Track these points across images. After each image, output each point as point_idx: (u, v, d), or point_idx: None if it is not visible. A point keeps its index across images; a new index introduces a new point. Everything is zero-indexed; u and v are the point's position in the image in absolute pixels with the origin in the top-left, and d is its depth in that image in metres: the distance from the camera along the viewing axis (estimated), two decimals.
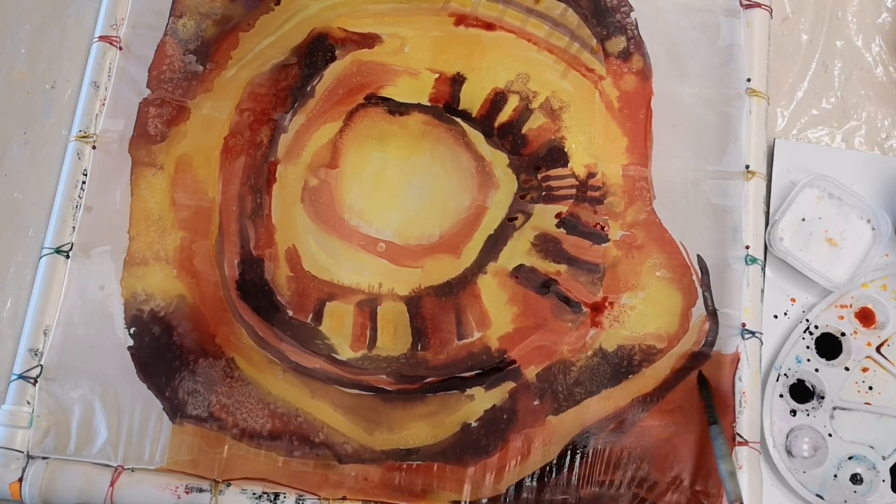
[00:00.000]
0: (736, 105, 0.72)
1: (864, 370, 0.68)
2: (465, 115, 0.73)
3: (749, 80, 0.72)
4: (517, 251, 0.70)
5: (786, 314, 0.70)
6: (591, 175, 0.71)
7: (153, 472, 0.66)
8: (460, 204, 0.71)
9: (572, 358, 0.68)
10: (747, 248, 0.69)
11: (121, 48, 0.75)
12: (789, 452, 0.66)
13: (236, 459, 0.66)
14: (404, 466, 0.66)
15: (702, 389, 0.66)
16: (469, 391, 0.67)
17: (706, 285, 0.69)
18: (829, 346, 0.69)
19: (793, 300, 0.70)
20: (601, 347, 0.68)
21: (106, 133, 0.73)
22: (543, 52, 0.74)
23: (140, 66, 0.75)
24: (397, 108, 0.73)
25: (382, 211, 0.71)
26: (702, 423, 0.66)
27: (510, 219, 0.71)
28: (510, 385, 0.67)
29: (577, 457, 0.65)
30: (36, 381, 0.67)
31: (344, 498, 0.65)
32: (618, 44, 0.74)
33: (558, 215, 0.70)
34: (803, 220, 0.70)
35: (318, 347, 0.68)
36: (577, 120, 0.72)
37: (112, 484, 0.65)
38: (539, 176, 0.71)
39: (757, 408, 0.66)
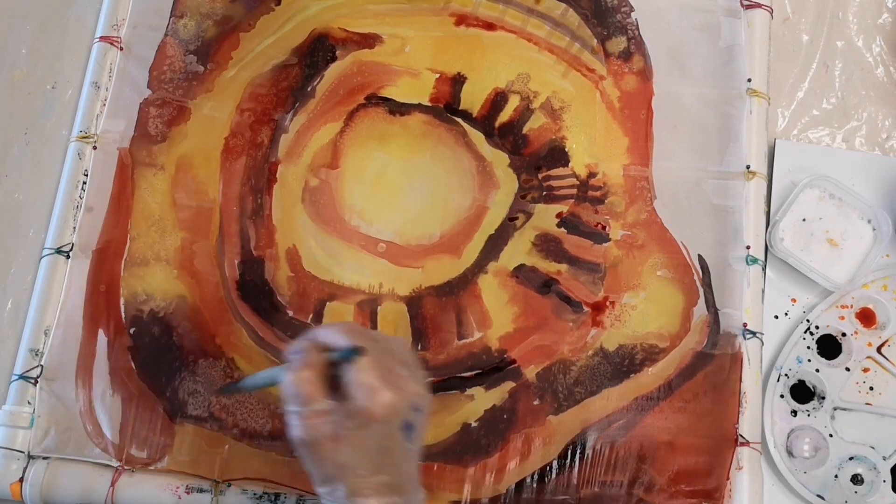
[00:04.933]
0: (737, 105, 0.72)
1: (865, 370, 0.68)
2: (466, 115, 0.73)
3: (750, 80, 0.72)
4: (518, 251, 0.70)
5: (787, 314, 0.70)
6: (591, 175, 0.71)
7: (154, 473, 0.66)
8: (461, 204, 0.71)
9: (573, 357, 0.67)
10: (748, 248, 0.69)
11: (121, 48, 0.75)
12: (790, 453, 0.66)
13: (237, 459, 0.66)
14: None
15: None
16: (469, 391, 0.67)
17: (707, 285, 0.69)
18: (829, 347, 0.69)
19: (793, 300, 0.70)
20: (602, 347, 0.68)
21: (107, 133, 0.73)
22: (544, 53, 0.74)
23: (141, 67, 0.75)
24: (398, 109, 0.73)
25: (383, 211, 0.71)
26: (704, 425, 0.66)
27: (511, 219, 0.71)
28: (510, 385, 0.67)
29: (578, 457, 0.65)
30: (36, 382, 0.67)
31: None
32: (618, 44, 0.74)
33: (559, 215, 0.70)
34: (804, 220, 0.70)
35: None
36: (577, 120, 0.72)
37: (113, 484, 0.65)
38: (540, 176, 0.71)
39: (758, 408, 0.66)
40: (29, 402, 0.67)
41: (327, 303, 0.69)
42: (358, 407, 0.48)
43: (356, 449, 0.48)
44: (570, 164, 0.72)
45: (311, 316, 0.69)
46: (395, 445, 0.49)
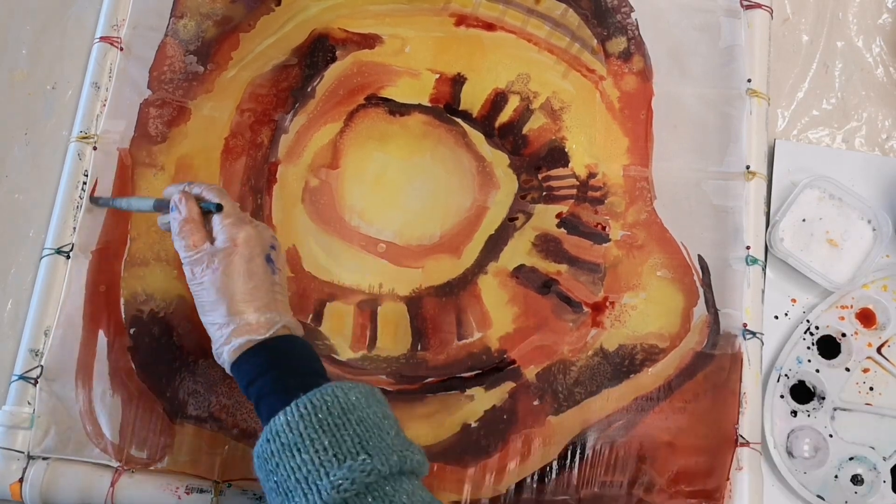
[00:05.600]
0: (737, 105, 0.72)
1: (865, 371, 0.68)
2: (466, 116, 0.73)
3: (750, 80, 0.72)
4: (518, 251, 0.70)
5: (787, 315, 0.70)
6: (591, 175, 0.71)
7: (153, 473, 0.66)
8: (461, 204, 0.71)
9: (572, 358, 0.67)
10: (748, 248, 0.69)
11: (122, 49, 0.75)
12: (790, 453, 0.66)
13: (236, 460, 0.66)
14: None
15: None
16: (469, 391, 0.67)
17: (707, 285, 0.69)
18: (829, 347, 0.69)
19: (793, 301, 0.70)
20: (602, 347, 0.68)
21: (107, 134, 0.73)
22: (544, 53, 0.74)
23: (141, 67, 0.75)
24: (398, 109, 0.73)
25: (383, 211, 0.71)
26: (704, 425, 0.66)
27: (511, 219, 0.71)
28: (510, 385, 0.67)
29: (578, 457, 0.65)
30: (36, 382, 0.67)
31: None
32: (618, 44, 0.74)
33: (559, 215, 0.70)
34: (804, 220, 0.70)
35: (318, 348, 0.68)
36: (577, 120, 0.72)
37: (112, 484, 0.65)
38: (540, 176, 0.71)
39: (758, 408, 0.66)
40: (29, 403, 0.67)
41: (327, 303, 0.69)
42: (226, 242, 0.59)
43: (230, 275, 0.58)
44: (569, 165, 0.72)
45: (310, 316, 0.69)
46: (261, 272, 0.59)
